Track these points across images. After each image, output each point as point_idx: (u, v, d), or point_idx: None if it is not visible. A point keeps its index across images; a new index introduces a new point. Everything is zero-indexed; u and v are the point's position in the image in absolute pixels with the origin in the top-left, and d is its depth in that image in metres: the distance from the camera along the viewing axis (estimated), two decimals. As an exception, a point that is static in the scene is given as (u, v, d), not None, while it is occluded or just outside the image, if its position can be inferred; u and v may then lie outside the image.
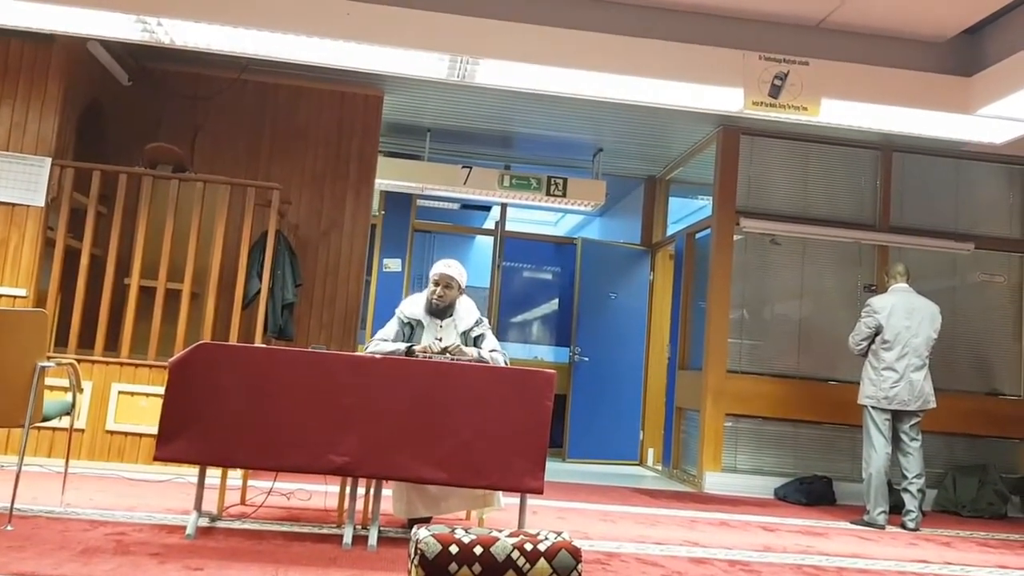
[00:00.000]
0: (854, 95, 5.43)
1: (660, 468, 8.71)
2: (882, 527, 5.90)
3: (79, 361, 5.39)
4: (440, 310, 4.61)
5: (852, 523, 6.05)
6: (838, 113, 5.56)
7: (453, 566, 2.82)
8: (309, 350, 4.13)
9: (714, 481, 7.26)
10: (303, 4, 5.30)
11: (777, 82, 5.21)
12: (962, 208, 7.79)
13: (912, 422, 6.02)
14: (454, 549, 2.84)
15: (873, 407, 6.02)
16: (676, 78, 5.43)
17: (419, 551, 2.83)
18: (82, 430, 5.66)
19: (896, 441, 6.06)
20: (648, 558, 4.24)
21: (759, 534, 5.30)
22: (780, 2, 5.37)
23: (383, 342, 4.57)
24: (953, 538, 5.80)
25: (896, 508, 6.08)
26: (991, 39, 5.53)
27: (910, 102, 5.45)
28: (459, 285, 4.65)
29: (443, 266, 4.64)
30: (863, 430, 6.14)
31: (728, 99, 5.49)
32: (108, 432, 5.73)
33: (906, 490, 6.00)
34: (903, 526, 5.95)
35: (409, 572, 2.92)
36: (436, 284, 4.59)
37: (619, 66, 5.39)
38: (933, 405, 6.01)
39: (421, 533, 2.90)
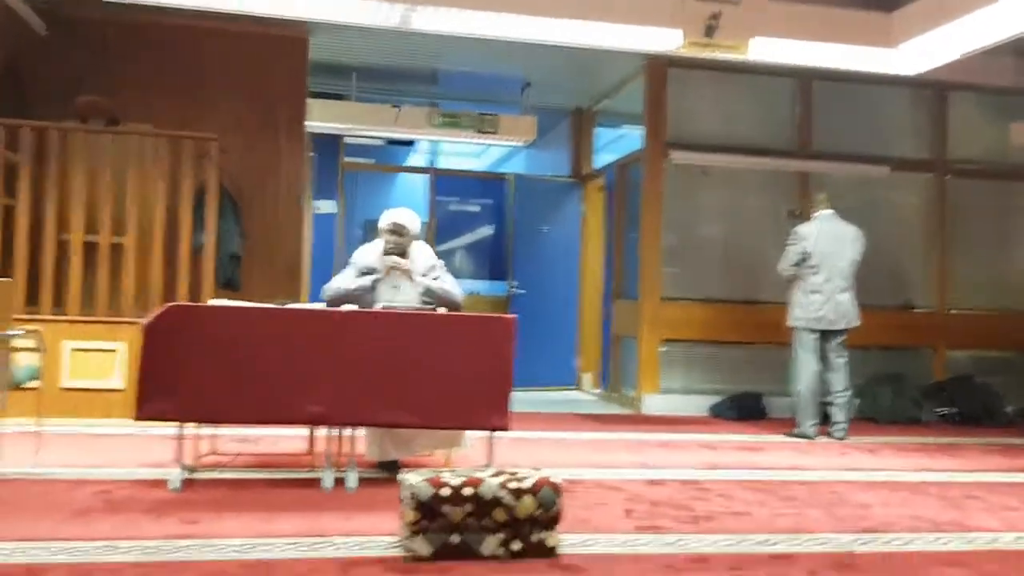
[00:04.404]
0: (781, 32, 5.65)
1: (598, 392, 9.07)
2: (812, 438, 6.33)
3: (28, 320, 5.38)
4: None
5: (785, 435, 6.46)
6: (766, 51, 5.79)
7: (446, 507, 3.03)
8: (276, 307, 4.24)
9: (652, 403, 7.62)
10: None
11: (712, 22, 5.39)
12: (878, 132, 8.16)
13: (838, 340, 6.43)
14: (445, 492, 3.05)
15: (802, 328, 6.40)
16: (610, 19, 5.57)
17: (413, 495, 3.02)
18: (35, 388, 5.66)
19: (823, 358, 6.46)
20: (608, 483, 4.53)
21: (702, 452, 5.66)
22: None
23: (353, 279, 4.69)
24: (876, 445, 6.27)
25: (824, 420, 6.50)
26: (909, -25, 5.80)
27: (834, 38, 5.71)
28: (410, 232, 4.77)
29: (393, 215, 4.74)
30: (792, 350, 6.53)
31: (662, 39, 5.66)
32: (63, 389, 5.75)
33: (833, 403, 6.44)
34: (830, 435, 6.39)
35: (403, 514, 3.12)
36: (389, 233, 4.70)
37: (554, 8, 5.49)
38: (857, 323, 6.43)
39: (412, 478, 3.09)
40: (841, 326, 6.38)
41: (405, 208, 4.83)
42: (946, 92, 8.20)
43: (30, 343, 4.32)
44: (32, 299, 5.95)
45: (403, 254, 4.75)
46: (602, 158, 9.47)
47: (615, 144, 9.78)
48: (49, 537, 3.15)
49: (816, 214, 6.57)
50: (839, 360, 6.43)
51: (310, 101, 7.87)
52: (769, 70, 7.75)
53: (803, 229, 6.48)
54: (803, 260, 6.40)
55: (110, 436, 5.37)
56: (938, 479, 5.01)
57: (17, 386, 4.13)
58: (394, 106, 8.62)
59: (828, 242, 6.39)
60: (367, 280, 4.64)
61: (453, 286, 4.80)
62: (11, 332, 3.91)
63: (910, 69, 6.16)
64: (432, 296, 4.68)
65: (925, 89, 8.15)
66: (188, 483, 4.11)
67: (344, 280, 4.72)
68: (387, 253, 4.71)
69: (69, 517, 3.45)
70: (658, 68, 7.73)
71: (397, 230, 4.70)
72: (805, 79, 7.95)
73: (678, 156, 7.69)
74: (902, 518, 3.99)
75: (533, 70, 8.47)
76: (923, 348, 8.14)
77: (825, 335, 6.43)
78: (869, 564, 3.24)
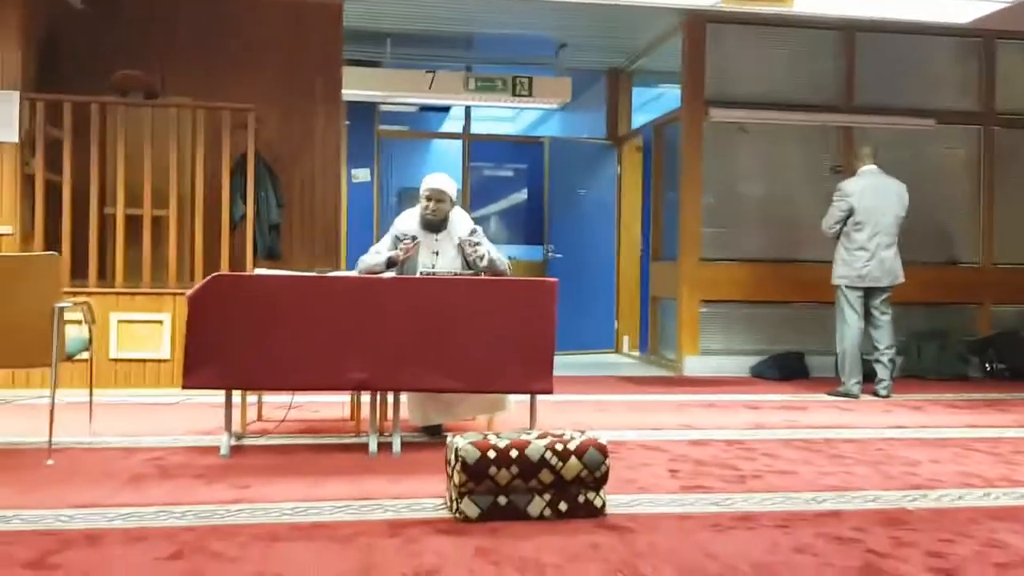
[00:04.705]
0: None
1: (637, 354, 9.06)
2: (856, 396, 6.28)
3: (74, 293, 5.47)
4: (435, 224, 4.71)
5: (828, 394, 6.42)
6: (810, 2, 5.63)
7: (492, 469, 3.05)
8: (317, 274, 4.27)
9: (693, 364, 7.60)
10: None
11: (751, -25, 5.26)
12: (924, 84, 7.97)
13: (882, 297, 6.36)
14: (492, 454, 3.06)
15: (847, 286, 6.33)
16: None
17: (460, 458, 3.05)
18: (85, 360, 5.77)
19: (867, 316, 6.39)
20: (651, 444, 4.53)
21: (746, 413, 5.64)
22: None
23: (374, 255, 4.68)
24: (923, 402, 6.21)
25: (867, 377, 6.44)
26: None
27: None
28: (450, 197, 4.74)
29: (432, 180, 4.70)
30: (836, 308, 6.46)
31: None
32: (112, 360, 5.86)
33: (878, 361, 6.37)
34: (875, 394, 6.34)
35: (450, 477, 3.15)
36: (428, 199, 4.66)
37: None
38: (902, 280, 6.35)
39: (459, 442, 3.11)
40: (886, 283, 6.30)
41: (442, 173, 4.81)
42: (994, 41, 7.98)
43: (79, 315, 4.39)
44: (77, 272, 6.05)
45: (444, 220, 4.72)
46: (639, 119, 9.38)
47: (652, 104, 9.68)
48: (106, 503, 3.22)
49: (861, 169, 6.46)
50: (883, 317, 6.36)
51: (345, 69, 7.84)
52: (811, 23, 7.60)
53: (848, 185, 6.38)
54: (848, 217, 6.31)
55: (159, 405, 5.47)
56: (986, 435, 4.96)
57: (68, 358, 4.20)
58: (429, 71, 8.60)
59: (873, 198, 6.29)
60: (382, 258, 4.61)
61: (499, 255, 4.77)
62: (62, 304, 3.96)
63: (958, 18, 5.99)
64: (492, 270, 4.64)
65: (972, 39, 7.94)
66: (236, 449, 4.18)
67: (373, 255, 4.71)
68: (427, 219, 4.69)
69: (124, 484, 3.52)
70: (696, 24, 7.61)
71: (437, 196, 4.66)
72: (848, 31, 7.77)
73: (717, 114, 7.58)
74: (951, 474, 3.95)
75: (567, 31, 8.38)
76: (968, 303, 8.02)
77: (869, 292, 6.35)
78: (919, 520, 3.21)
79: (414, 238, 4.64)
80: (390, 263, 4.59)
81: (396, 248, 4.68)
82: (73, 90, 6.31)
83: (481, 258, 4.57)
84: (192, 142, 6.19)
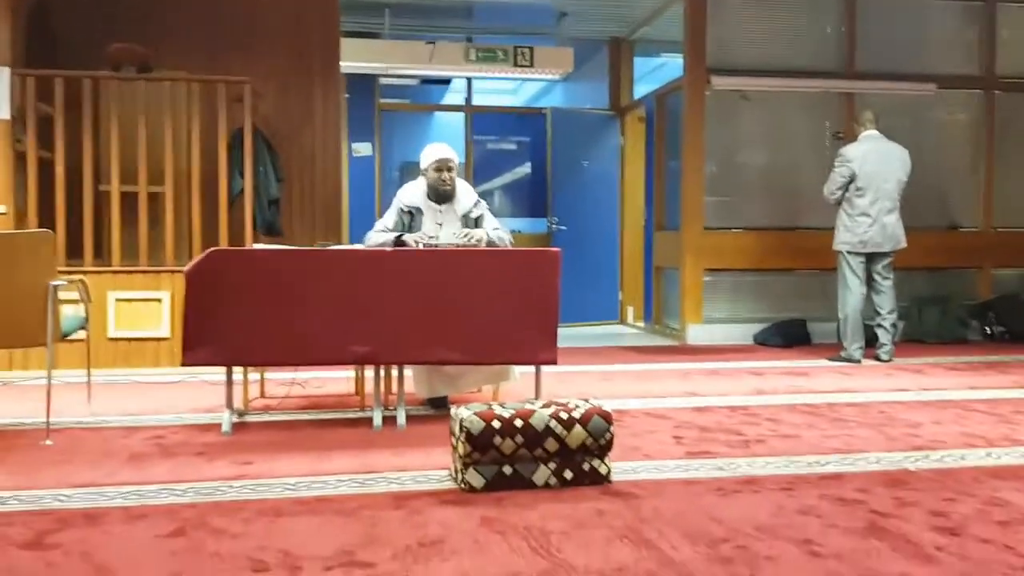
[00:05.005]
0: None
1: (642, 325, 9.04)
2: (858, 361, 6.27)
3: (71, 272, 5.43)
4: (446, 195, 4.63)
5: (830, 360, 6.40)
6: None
7: (497, 439, 3.03)
8: (318, 248, 4.23)
9: (697, 333, 7.57)
10: None
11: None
12: (925, 49, 7.89)
13: (884, 262, 6.33)
14: (496, 424, 3.04)
15: (849, 252, 6.29)
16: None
17: (464, 429, 3.02)
18: (82, 339, 5.74)
19: (869, 281, 6.36)
20: (655, 411, 4.52)
21: (749, 379, 5.62)
22: None
23: (381, 233, 4.63)
24: (924, 365, 6.20)
25: (869, 342, 6.42)
26: None
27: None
28: (457, 167, 4.69)
29: (438, 151, 4.62)
30: (838, 274, 6.43)
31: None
32: (111, 339, 5.83)
33: (880, 325, 6.36)
34: (877, 358, 6.33)
35: (455, 448, 3.13)
36: (439, 170, 4.58)
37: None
38: (904, 245, 6.32)
39: (463, 412, 3.09)
40: (888, 248, 6.27)
41: (442, 142, 4.75)
42: (995, 5, 7.89)
43: (75, 294, 4.35)
44: (73, 251, 5.99)
45: (453, 190, 4.65)
46: (641, 89, 9.30)
47: (654, 74, 9.59)
48: (105, 482, 3.20)
49: (863, 134, 6.40)
50: (885, 282, 6.34)
51: (343, 40, 7.74)
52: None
53: (849, 151, 6.33)
54: (849, 182, 6.26)
55: (159, 384, 5.44)
56: (987, 396, 4.96)
57: (64, 337, 4.17)
58: (428, 42, 8.50)
59: (875, 163, 6.24)
60: (389, 238, 4.55)
61: (502, 230, 4.72)
62: (56, 282, 3.93)
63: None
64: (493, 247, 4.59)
65: (974, 3, 7.85)
66: (239, 426, 4.17)
67: (382, 231, 4.65)
68: (438, 191, 4.60)
69: (124, 462, 3.50)
70: (698, -10, 7.51)
71: (447, 165, 4.58)
72: (849, -5, 7.70)
73: (720, 82, 7.49)
74: (953, 435, 3.95)
75: (568, -1, 8.30)
76: (969, 268, 7.99)
77: (871, 258, 6.32)
78: (921, 481, 3.20)
79: (414, 214, 4.58)
80: (398, 244, 4.52)
81: (400, 220, 4.62)
82: (65, 65, 6.23)
83: (480, 241, 4.52)
84: (188, 117, 6.12)
